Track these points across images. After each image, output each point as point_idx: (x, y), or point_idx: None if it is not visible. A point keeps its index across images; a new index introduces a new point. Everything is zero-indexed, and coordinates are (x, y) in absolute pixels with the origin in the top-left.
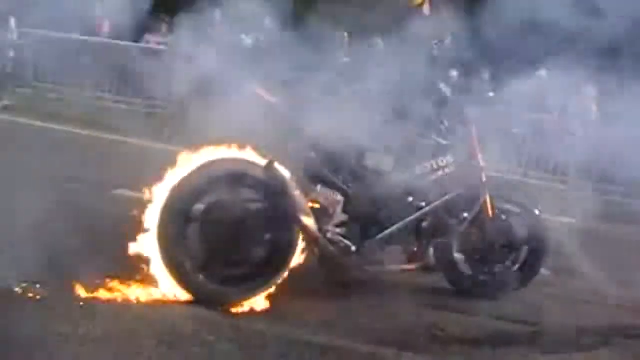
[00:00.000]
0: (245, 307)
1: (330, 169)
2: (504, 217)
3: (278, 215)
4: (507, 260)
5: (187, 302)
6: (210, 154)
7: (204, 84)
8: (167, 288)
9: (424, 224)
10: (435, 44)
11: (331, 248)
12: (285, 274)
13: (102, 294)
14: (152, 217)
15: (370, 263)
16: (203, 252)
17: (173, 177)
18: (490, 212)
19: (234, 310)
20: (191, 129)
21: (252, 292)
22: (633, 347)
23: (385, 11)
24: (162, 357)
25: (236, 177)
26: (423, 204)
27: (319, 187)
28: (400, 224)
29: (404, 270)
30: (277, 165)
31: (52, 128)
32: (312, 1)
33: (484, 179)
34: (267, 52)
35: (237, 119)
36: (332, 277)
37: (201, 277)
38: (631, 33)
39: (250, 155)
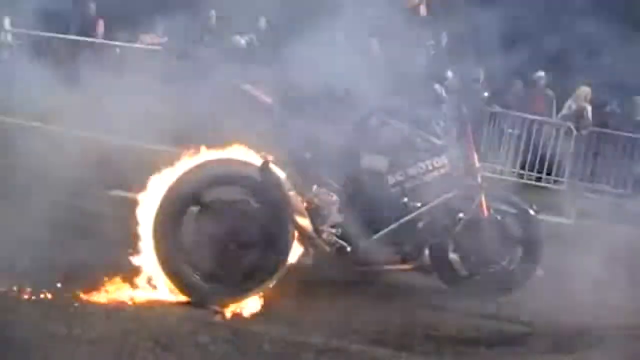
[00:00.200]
0: (241, 307)
1: (325, 170)
2: (499, 217)
3: (273, 215)
4: (502, 260)
5: (183, 303)
6: (205, 154)
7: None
8: (163, 289)
9: (420, 225)
10: (431, 45)
11: (327, 248)
12: (281, 274)
13: (98, 294)
14: (148, 218)
15: (365, 263)
16: (199, 253)
17: (169, 178)
18: (486, 213)
19: (229, 311)
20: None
21: (247, 292)
22: (628, 347)
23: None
24: (158, 358)
25: (232, 177)
26: (418, 204)
27: (314, 187)
28: (395, 225)
29: (399, 271)
30: (272, 165)
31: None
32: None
33: (479, 180)
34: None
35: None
36: (327, 277)
37: (197, 277)
38: None
39: (245, 155)
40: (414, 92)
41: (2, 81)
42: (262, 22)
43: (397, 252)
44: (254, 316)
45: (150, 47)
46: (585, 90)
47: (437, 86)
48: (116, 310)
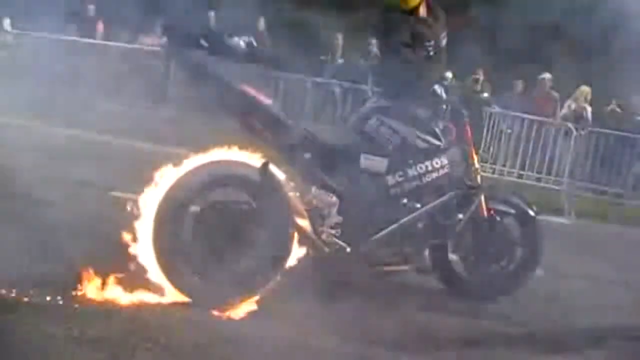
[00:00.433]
0: (240, 308)
1: (325, 171)
2: (498, 218)
3: (273, 216)
4: (501, 261)
5: (182, 304)
6: (205, 155)
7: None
8: (162, 289)
9: (419, 225)
10: (430, 45)
11: (326, 249)
12: (280, 275)
13: (97, 295)
14: (147, 219)
15: (365, 264)
16: (198, 254)
17: (168, 179)
18: (485, 213)
19: (228, 312)
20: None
21: (247, 293)
22: (627, 347)
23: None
24: (157, 359)
25: (231, 178)
26: (418, 205)
27: (313, 188)
28: (395, 225)
29: (399, 272)
30: (271, 166)
31: (47, 130)
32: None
33: (479, 180)
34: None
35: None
36: (327, 278)
37: (196, 278)
38: None
39: (245, 156)
40: (413, 93)
41: None
42: (262, 23)
43: (397, 253)
44: (254, 317)
45: (149, 48)
46: (585, 91)
47: (436, 87)
48: (115, 311)
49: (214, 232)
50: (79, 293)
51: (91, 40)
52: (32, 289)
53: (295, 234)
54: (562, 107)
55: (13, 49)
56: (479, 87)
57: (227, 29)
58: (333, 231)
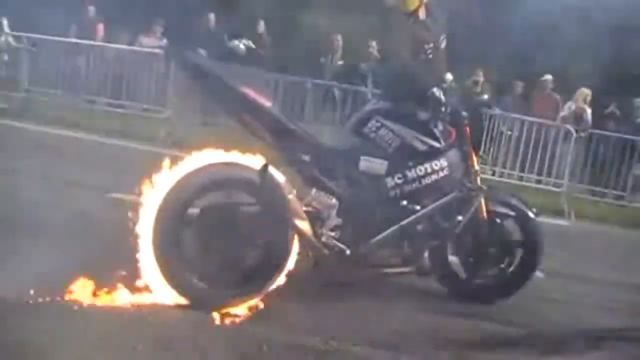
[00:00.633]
0: (240, 310)
1: (324, 173)
2: (498, 219)
3: (272, 218)
4: (501, 262)
5: (182, 306)
6: (204, 157)
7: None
8: (162, 291)
9: (419, 227)
10: (430, 48)
11: (326, 251)
12: (280, 277)
13: (97, 297)
14: (146, 221)
15: (365, 266)
16: (198, 256)
17: (168, 181)
18: (485, 215)
19: (228, 313)
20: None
21: (247, 295)
22: (627, 349)
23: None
24: None
25: (230, 180)
26: (418, 207)
27: (313, 190)
28: (394, 227)
29: (398, 274)
30: (271, 168)
31: (46, 131)
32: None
33: (479, 182)
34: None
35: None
36: (326, 280)
37: (196, 280)
38: None
39: (244, 158)
40: (412, 95)
41: None
42: (261, 25)
43: (397, 255)
44: (254, 319)
45: (149, 50)
46: (585, 92)
47: (436, 89)
48: (115, 313)
49: (214, 233)
50: (79, 294)
51: (91, 42)
52: (32, 289)
53: (295, 236)
54: (562, 108)
55: (12, 50)
56: (478, 89)
57: (226, 31)
58: (332, 233)
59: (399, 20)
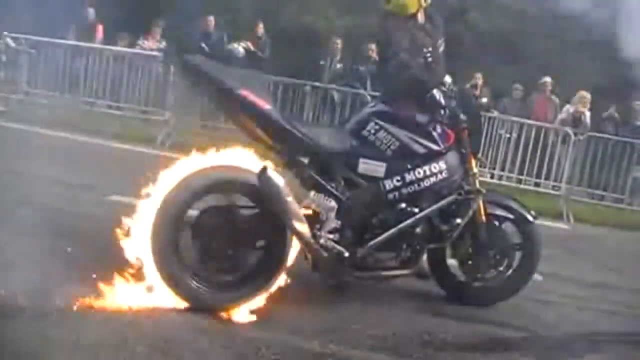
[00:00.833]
0: (239, 313)
1: (323, 175)
2: (496, 222)
3: (271, 221)
4: (500, 265)
5: (181, 309)
6: (203, 160)
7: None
8: (161, 294)
9: (417, 230)
10: (429, 51)
11: (324, 254)
12: (279, 280)
13: (95, 299)
14: (145, 223)
15: (363, 269)
16: (196, 258)
17: (167, 183)
18: (484, 218)
19: (227, 316)
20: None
21: (245, 298)
22: (625, 352)
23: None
24: None
25: (229, 183)
26: (416, 210)
27: (312, 193)
28: (393, 230)
29: (397, 276)
30: (270, 171)
31: (46, 134)
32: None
33: (477, 185)
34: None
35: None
36: (325, 283)
37: (194, 283)
38: None
39: (243, 161)
40: (411, 98)
41: None
42: (260, 28)
43: (395, 257)
44: (252, 322)
45: (148, 52)
46: (584, 96)
47: (434, 92)
48: (114, 315)
49: (213, 236)
50: (78, 297)
51: (90, 44)
52: (30, 293)
53: (293, 239)
54: (560, 111)
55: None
56: (477, 92)
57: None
58: (331, 236)
59: (398, 24)
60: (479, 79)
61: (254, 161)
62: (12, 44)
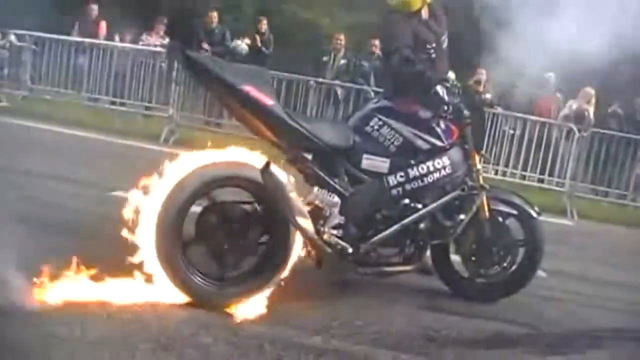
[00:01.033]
0: (242, 309)
1: (326, 171)
2: (500, 218)
3: (274, 217)
4: (503, 262)
5: (184, 304)
6: (207, 156)
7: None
8: (164, 290)
9: (421, 226)
10: (432, 47)
11: (328, 250)
12: (282, 276)
13: (98, 295)
14: (149, 219)
15: (366, 265)
16: (200, 254)
17: (170, 179)
18: (487, 214)
19: (230, 312)
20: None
21: (248, 294)
22: (629, 348)
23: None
24: (159, 359)
25: (233, 179)
26: (420, 205)
27: (315, 188)
28: (396, 226)
29: (400, 272)
30: (273, 167)
31: (49, 130)
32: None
33: (481, 181)
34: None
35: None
36: (328, 279)
37: (198, 278)
38: None
39: (246, 157)
40: (415, 94)
41: None
42: (264, 23)
43: (399, 253)
44: (255, 317)
45: (152, 48)
46: (588, 92)
47: (438, 88)
48: (117, 311)
49: (216, 232)
50: (81, 293)
51: (94, 40)
52: (32, 289)
53: (297, 234)
54: (563, 107)
55: (15, 49)
56: (481, 88)
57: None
58: (335, 231)
59: (401, 20)
60: (482, 74)
61: (257, 157)
62: (15, 41)
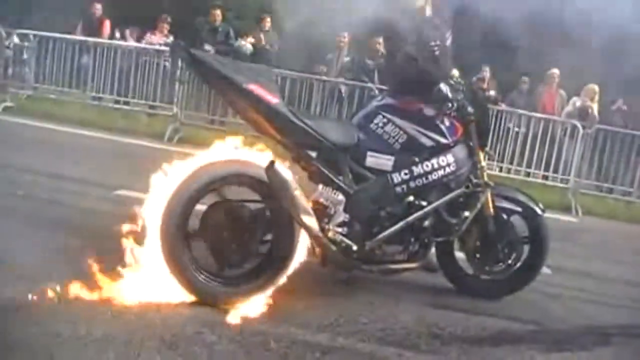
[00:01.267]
0: (247, 307)
1: (331, 169)
2: (504, 216)
3: (279, 215)
4: (508, 259)
5: (189, 303)
6: (211, 154)
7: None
8: (169, 288)
9: (425, 223)
10: (436, 45)
11: (332, 247)
12: (287, 273)
13: (103, 294)
14: (153, 218)
15: (371, 262)
16: (205, 252)
17: (175, 178)
18: (492, 211)
19: (235, 310)
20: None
21: (254, 291)
22: (634, 345)
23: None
24: (163, 358)
25: (237, 177)
26: (424, 203)
27: (320, 186)
28: (401, 223)
29: (405, 270)
30: (278, 165)
31: (53, 129)
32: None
33: (485, 178)
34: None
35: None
36: (333, 276)
37: (203, 277)
38: None
39: (251, 155)
40: (419, 91)
41: None
42: (268, 22)
43: (403, 251)
44: (261, 315)
45: (156, 47)
46: (592, 89)
47: (442, 85)
48: (121, 309)
49: (221, 230)
50: (85, 292)
51: (98, 39)
52: (37, 287)
53: (302, 232)
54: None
55: (19, 48)
56: (485, 85)
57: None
58: (339, 229)
59: (405, 17)
60: (486, 72)
61: (261, 155)
62: (17, 40)
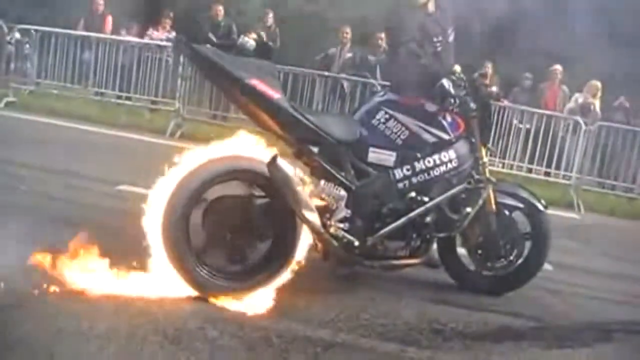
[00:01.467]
0: (249, 302)
1: (333, 164)
2: (506, 212)
3: (281, 210)
4: (510, 255)
5: (191, 298)
6: (213, 150)
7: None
8: (171, 283)
9: (427, 219)
10: (438, 40)
11: (334, 243)
12: (289, 269)
13: (106, 289)
14: (156, 213)
15: (373, 258)
16: (207, 247)
17: (177, 173)
18: (493, 207)
19: (237, 305)
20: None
21: (256, 287)
22: (635, 341)
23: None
24: (166, 353)
25: (239, 172)
26: (426, 199)
27: (322, 182)
28: (403, 219)
29: (407, 265)
30: (280, 160)
31: (55, 124)
32: None
33: (487, 174)
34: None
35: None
36: (335, 272)
37: (205, 272)
38: None
39: (253, 150)
40: (421, 87)
41: None
42: (270, 17)
43: (405, 246)
44: (263, 311)
45: (158, 42)
46: (595, 85)
47: (444, 81)
48: (124, 304)
49: (224, 225)
50: (87, 287)
51: (100, 35)
52: (40, 283)
53: (304, 228)
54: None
55: (22, 44)
56: (487, 81)
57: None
58: (341, 225)
59: (408, 13)
60: (488, 67)
61: (263, 150)
62: (18, 35)
